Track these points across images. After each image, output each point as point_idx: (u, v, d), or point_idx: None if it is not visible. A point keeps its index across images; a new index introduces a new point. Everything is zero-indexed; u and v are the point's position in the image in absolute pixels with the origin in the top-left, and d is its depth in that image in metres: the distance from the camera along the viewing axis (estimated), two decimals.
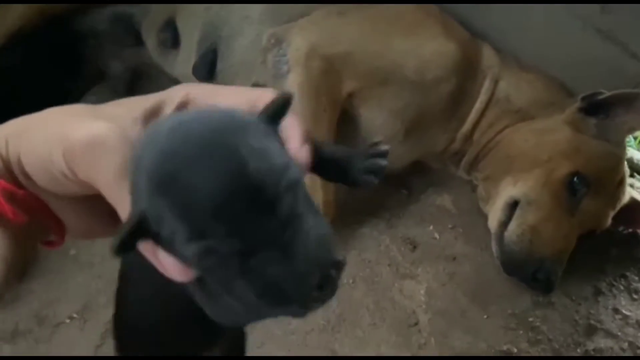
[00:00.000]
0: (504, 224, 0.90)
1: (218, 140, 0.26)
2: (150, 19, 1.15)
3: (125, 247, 0.27)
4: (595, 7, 0.91)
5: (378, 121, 0.94)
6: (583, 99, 0.90)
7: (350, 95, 0.92)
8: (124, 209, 0.30)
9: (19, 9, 1.08)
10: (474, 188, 1.06)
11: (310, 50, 0.89)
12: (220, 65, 1.04)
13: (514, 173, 0.92)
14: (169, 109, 0.36)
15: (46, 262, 0.93)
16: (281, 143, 0.30)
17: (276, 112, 0.30)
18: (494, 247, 0.93)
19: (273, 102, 0.30)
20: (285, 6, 1.00)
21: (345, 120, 0.94)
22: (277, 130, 0.30)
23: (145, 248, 0.29)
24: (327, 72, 0.90)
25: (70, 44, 1.18)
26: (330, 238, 0.29)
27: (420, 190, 1.11)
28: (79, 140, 0.31)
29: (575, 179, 0.87)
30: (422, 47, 0.93)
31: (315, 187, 0.87)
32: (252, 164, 0.26)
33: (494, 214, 0.93)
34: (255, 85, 1.00)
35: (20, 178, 0.34)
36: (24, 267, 0.34)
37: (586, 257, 0.96)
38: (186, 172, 0.26)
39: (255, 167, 0.26)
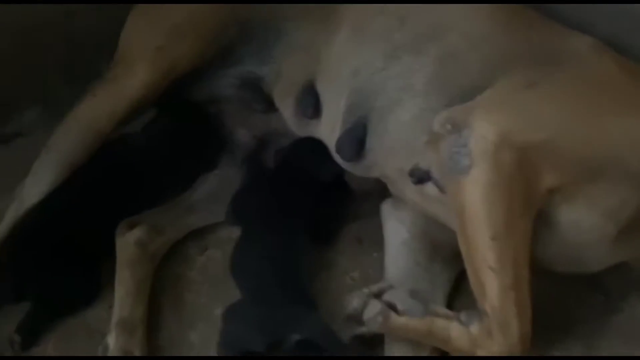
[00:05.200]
0: None
1: None
2: (285, 82, 1.00)
3: None
4: None
5: (586, 224, 0.73)
6: None
7: (550, 192, 0.72)
8: None
9: (140, 77, 0.98)
10: None
11: (500, 139, 0.70)
12: (370, 143, 0.88)
13: None
14: None
15: None
16: None
17: None
18: None
19: None
20: (456, 75, 0.81)
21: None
22: None
23: None
24: (522, 166, 0.70)
25: (189, 114, 1.07)
26: None
27: (620, 296, 0.88)
28: None
29: None
30: None
31: (509, 316, 0.68)
32: None
33: None
34: (416, 170, 0.82)
35: None
36: None
37: None
38: None
39: None
